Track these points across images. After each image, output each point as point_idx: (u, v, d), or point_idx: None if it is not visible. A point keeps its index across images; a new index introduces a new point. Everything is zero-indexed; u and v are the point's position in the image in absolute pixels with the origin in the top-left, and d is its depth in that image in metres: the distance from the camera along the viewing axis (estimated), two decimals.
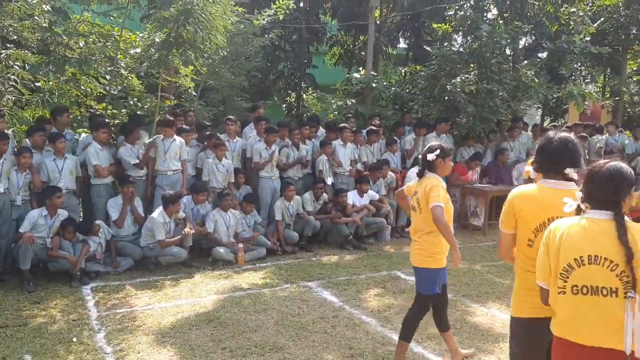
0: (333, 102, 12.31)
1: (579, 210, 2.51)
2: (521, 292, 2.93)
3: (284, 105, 15.85)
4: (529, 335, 2.88)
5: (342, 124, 9.87)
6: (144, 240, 7.23)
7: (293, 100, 15.78)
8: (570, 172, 2.80)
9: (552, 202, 2.77)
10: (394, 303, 5.96)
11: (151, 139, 7.94)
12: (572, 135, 2.92)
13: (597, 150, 11.59)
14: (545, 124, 16.11)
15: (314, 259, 7.84)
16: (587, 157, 11.28)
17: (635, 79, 15.39)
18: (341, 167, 9.31)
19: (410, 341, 4.42)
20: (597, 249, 2.31)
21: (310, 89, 16.20)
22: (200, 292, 6.30)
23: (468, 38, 12.15)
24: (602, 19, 14.01)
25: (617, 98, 15.21)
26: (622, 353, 2.24)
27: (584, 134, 11.54)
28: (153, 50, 8.50)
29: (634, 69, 15.84)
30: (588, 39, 12.42)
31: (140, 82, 9.19)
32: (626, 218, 2.35)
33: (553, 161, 2.85)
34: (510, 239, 2.96)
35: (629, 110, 15.79)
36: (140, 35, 9.39)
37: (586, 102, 12.64)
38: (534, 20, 14.50)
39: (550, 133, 2.95)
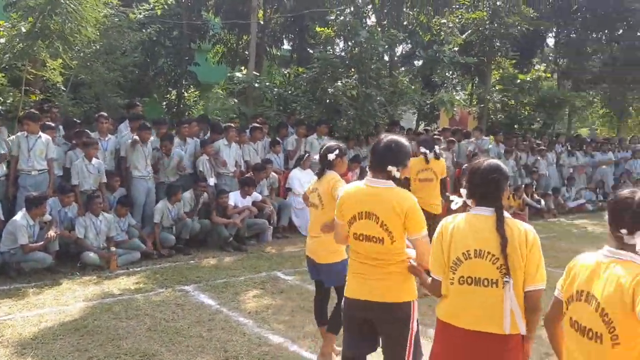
0: (222, 100, 12.14)
1: (465, 207, 2.72)
2: (348, 274, 3.24)
3: (164, 103, 15.36)
4: (347, 311, 3.21)
5: (227, 124, 9.77)
6: (5, 245, 6.67)
7: (174, 97, 15.34)
8: (392, 170, 3.04)
9: (364, 199, 3.06)
10: (272, 303, 5.99)
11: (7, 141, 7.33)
12: (399, 138, 3.16)
13: (467, 154, 12.45)
14: (420, 128, 17.00)
15: (191, 262, 7.68)
16: (456, 159, 12.17)
17: (497, 88, 16.68)
18: (226, 167, 9.21)
19: (338, 333, 4.46)
20: (482, 244, 2.52)
21: (191, 86, 15.84)
22: (67, 300, 5.93)
23: (349, 43, 12.55)
24: (469, 31, 15.06)
25: (482, 105, 16.43)
26: (499, 336, 2.49)
27: (452, 139, 12.38)
28: (18, 40, 7.87)
29: (497, 78, 17.17)
30: (456, 49, 13.32)
31: (3, 75, 8.49)
32: (506, 214, 2.58)
33: (378, 161, 3.09)
34: (343, 227, 3.25)
35: (492, 116, 17.10)
36: (4, 24, 8.65)
37: (455, 108, 13.57)
38: (409, 29, 15.29)
39: (382, 135, 3.19)
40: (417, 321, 3.11)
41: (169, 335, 4.99)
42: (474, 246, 2.53)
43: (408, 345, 3.02)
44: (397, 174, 3.05)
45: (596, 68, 20.21)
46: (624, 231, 2.14)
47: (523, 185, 12.61)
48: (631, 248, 2.12)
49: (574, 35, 19.96)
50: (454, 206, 2.79)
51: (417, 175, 6.61)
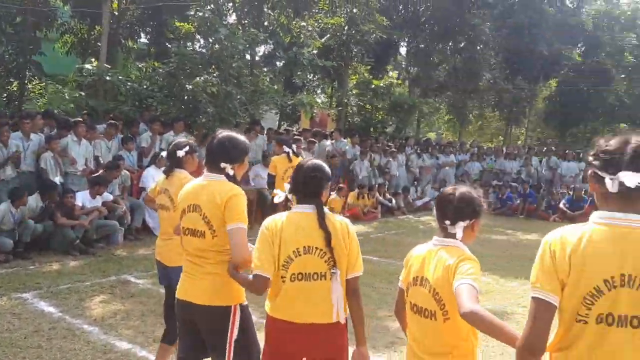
0: (66, 92, 11.34)
1: (286, 201, 2.80)
2: (181, 273, 3.12)
3: (4, 95, 14.00)
4: (177, 312, 3.11)
5: (77, 119, 9.17)
6: None
7: (15, 89, 14.02)
8: (226, 167, 2.99)
9: (193, 192, 3.01)
10: (121, 309, 5.71)
11: None
12: (235, 135, 3.10)
13: (326, 154, 12.84)
14: (282, 128, 17.23)
15: (31, 267, 7.08)
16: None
17: (354, 92, 17.43)
18: (75, 164, 8.63)
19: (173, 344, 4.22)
20: (310, 241, 2.61)
21: (36, 77, 14.61)
22: None
23: (209, 40, 12.38)
24: (327, 35, 15.57)
25: (340, 108, 17.07)
26: (328, 325, 2.61)
27: (313, 139, 12.72)
28: None
29: (354, 83, 17.94)
30: (315, 52, 13.71)
31: None
32: (326, 209, 2.69)
33: (212, 158, 3.03)
34: None
35: (349, 119, 17.83)
36: None
37: (315, 110, 13.98)
38: (270, 30, 15.43)
39: (218, 132, 3.13)
40: (240, 327, 2.93)
41: (2, 347, 4.57)
42: (303, 243, 2.62)
43: (227, 352, 2.89)
44: (231, 172, 2.97)
45: (441, 77, 21.92)
46: (447, 222, 2.45)
47: (376, 185, 13.31)
48: (454, 236, 2.44)
49: (423, 45, 21.44)
50: (277, 200, 2.88)
51: (285, 174, 6.75)
